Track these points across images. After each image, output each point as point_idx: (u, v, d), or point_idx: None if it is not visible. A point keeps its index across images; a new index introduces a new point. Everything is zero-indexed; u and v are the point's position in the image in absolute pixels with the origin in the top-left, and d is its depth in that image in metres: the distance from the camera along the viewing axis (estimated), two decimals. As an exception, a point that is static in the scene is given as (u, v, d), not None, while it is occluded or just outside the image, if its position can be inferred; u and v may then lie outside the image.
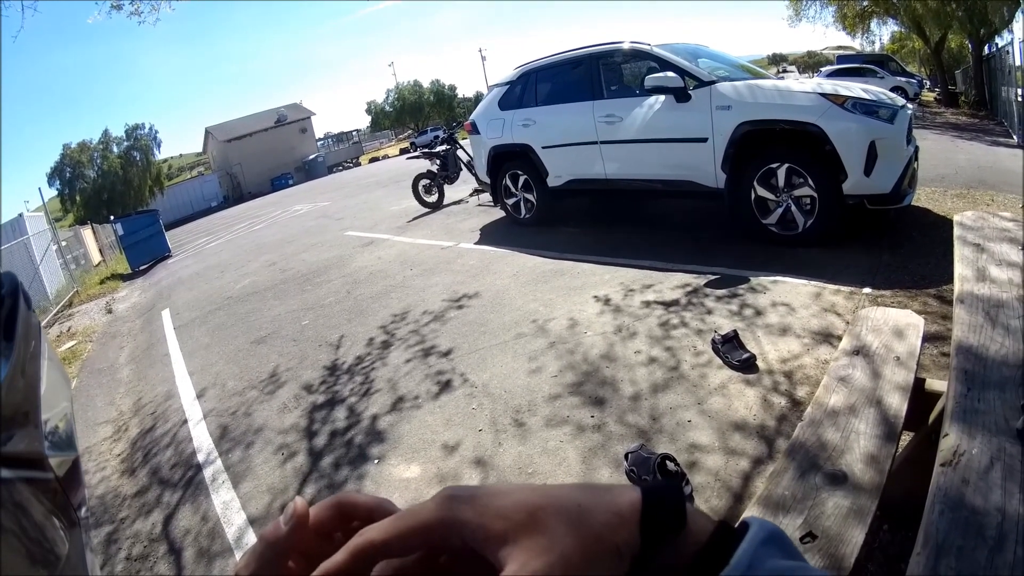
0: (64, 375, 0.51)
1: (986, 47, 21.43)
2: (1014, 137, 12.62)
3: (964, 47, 27.93)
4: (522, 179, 9.03)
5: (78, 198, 47.07)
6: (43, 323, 11.76)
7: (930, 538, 1.34)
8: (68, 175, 47.31)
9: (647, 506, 0.45)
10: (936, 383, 2.40)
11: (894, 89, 7.64)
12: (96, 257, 24.86)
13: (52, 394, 0.50)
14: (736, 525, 0.49)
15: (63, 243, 18.55)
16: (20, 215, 17.22)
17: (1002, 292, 2.25)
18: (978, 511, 1.36)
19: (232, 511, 3.76)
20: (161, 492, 4.24)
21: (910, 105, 6.38)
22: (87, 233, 25.58)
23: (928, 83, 33.02)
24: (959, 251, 2.68)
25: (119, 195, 46.63)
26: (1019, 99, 12.60)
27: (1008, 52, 13.85)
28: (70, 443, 0.52)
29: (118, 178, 47.49)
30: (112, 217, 24.20)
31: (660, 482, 0.44)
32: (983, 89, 20.46)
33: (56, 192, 47.70)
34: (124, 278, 17.18)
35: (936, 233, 5.82)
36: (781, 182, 6.02)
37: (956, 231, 2.89)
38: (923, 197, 6.94)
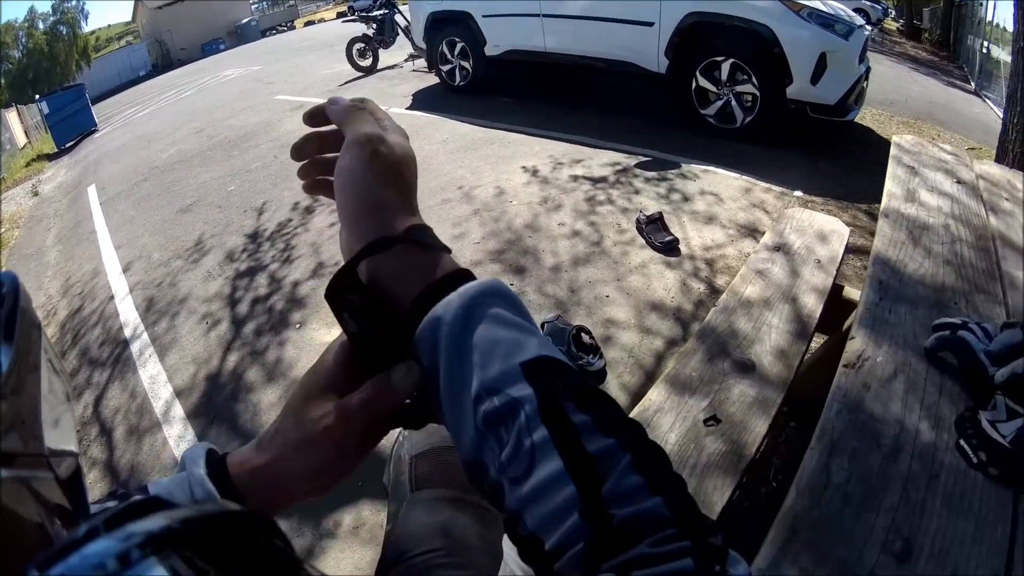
0: (65, 373, 0.51)
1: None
2: (971, 83, 12.73)
3: None
4: (459, 46, 8.78)
5: (2, 81, 44.77)
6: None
7: (825, 434, 1.39)
8: (-8, 58, 44.93)
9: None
10: (854, 292, 2.43)
11: (857, 11, 7.47)
12: (22, 139, 23.82)
13: (52, 393, 0.50)
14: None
15: (-13, 129, 17.79)
16: (-61, 104, 16.40)
17: (929, 217, 2.30)
18: (876, 418, 1.42)
19: (159, 384, 3.79)
20: (91, 373, 4.23)
21: (868, 27, 6.31)
22: (11, 116, 24.39)
23: (893, 12, 32.26)
24: (892, 169, 2.72)
25: (45, 73, 44.31)
26: (984, 51, 12.66)
27: (981, 5, 13.71)
28: (70, 442, 0.52)
29: (43, 55, 45.02)
30: (37, 96, 23.20)
31: None
32: (949, 32, 20.07)
33: (-20, 77, 45.41)
34: (50, 158, 16.56)
35: (876, 153, 5.71)
36: (724, 76, 5.94)
37: (892, 150, 2.93)
38: (868, 117, 6.89)
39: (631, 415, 1.58)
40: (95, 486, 3.23)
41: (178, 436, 3.33)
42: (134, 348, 4.29)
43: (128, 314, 4.78)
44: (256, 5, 66.13)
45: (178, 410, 3.53)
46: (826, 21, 5.55)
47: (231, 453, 0.60)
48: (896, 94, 8.65)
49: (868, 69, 6.13)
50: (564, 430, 0.44)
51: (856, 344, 1.64)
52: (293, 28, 55.06)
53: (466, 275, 0.55)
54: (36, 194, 11.46)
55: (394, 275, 0.55)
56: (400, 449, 1.24)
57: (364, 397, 0.55)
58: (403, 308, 0.54)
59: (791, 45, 5.51)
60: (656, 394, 1.71)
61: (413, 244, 0.57)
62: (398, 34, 12.28)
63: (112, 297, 5.16)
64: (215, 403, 3.51)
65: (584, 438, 0.44)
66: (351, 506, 2.60)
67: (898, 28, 28.57)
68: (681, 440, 1.54)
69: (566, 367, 0.49)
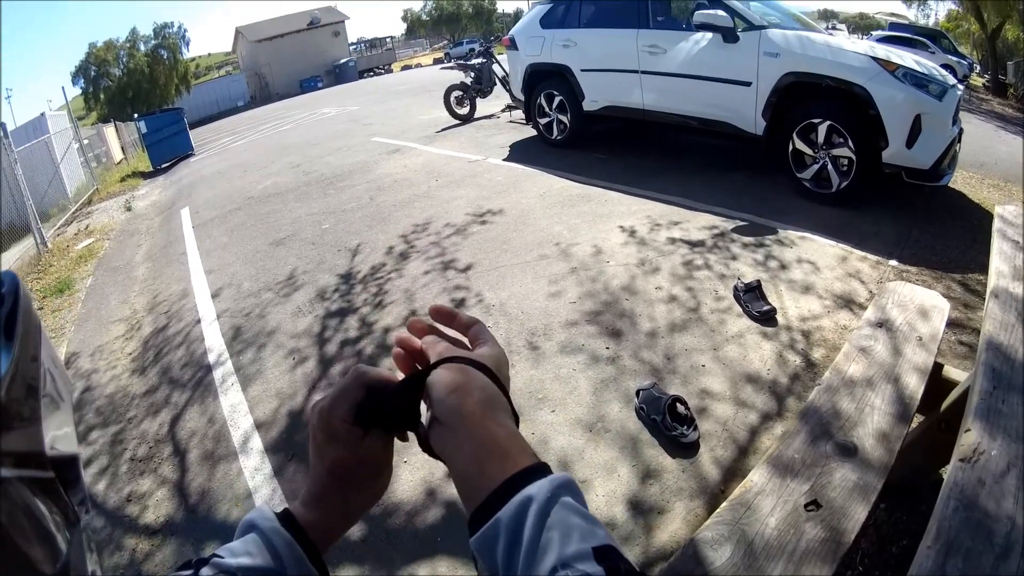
0: (64, 373, 0.49)
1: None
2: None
3: (1020, 39, 27.06)
4: (557, 99, 8.79)
5: (102, 96, 46.63)
6: (61, 221, 11.80)
7: (942, 533, 1.34)
8: (93, 74, 46.68)
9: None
10: (954, 371, 2.39)
11: (944, 67, 7.39)
12: (118, 155, 24.77)
13: (52, 392, 0.48)
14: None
15: (85, 141, 18.40)
16: (42, 114, 17.15)
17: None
18: (990, 515, 1.37)
19: (239, 414, 3.74)
20: (170, 392, 4.22)
21: (960, 86, 6.14)
22: (109, 131, 25.42)
23: (978, 67, 31.93)
24: (997, 244, 2.61)
25: (144, 93, 46.23)
26: None
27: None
28: (70, 442, 0.51)
29: (144, 76, 46.99)
30: (136, 115, 24.08)
31: None
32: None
33: (80, 91, 47.38)
34: (145, 176, 17.14)
35: (969, 219, 5.61)
36: (821, 139, 5.82)
37: (996, 223, 2.82)
38: (959, 180, 6.65)
39: (731, 496, 1.66)
40: (163, 504, 3.19)
41: (254, 468, 3.26)
42: (217, 374, 4.26)
43: (214, 340, 4.77)
44: (355, 46, 68.38)
45: (257, 442, 3.46)
46: (920, 81, 5.42)
47: (290, 507, 0.68)
48: (985, 155, 8.37)
49: (961, 131, 5.96)
50: None
51: (972, 437, 1.58)
52: (390, 71, 56.84)
53: (546, 467, 0.59)
54: (129, 209, 11.79)
55: (475, 450, 0.60)
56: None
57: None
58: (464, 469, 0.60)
59: (886, 106, 5.38)
60: (758, 475, 1.70)
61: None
62: (495, 84, 12.41)
63: (199, 321, 5.17)
64: (296, 441, 3.43)
65: None
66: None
67: (984, 84, 28.10)
68: (781, 525, 1.53)
69: (626, 559, 0.52)
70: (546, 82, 8.86)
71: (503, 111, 12.46)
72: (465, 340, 0.74)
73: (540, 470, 0.58)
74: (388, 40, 75.81)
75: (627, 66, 7.58)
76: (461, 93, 12.49)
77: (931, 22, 34.59)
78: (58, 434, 0.51)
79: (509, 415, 0.64)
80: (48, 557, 0.45)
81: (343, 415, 0.65)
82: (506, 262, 5.10)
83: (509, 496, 0.55)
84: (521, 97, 9.52)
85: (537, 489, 0.55)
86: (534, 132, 9.69)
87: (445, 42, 77.92)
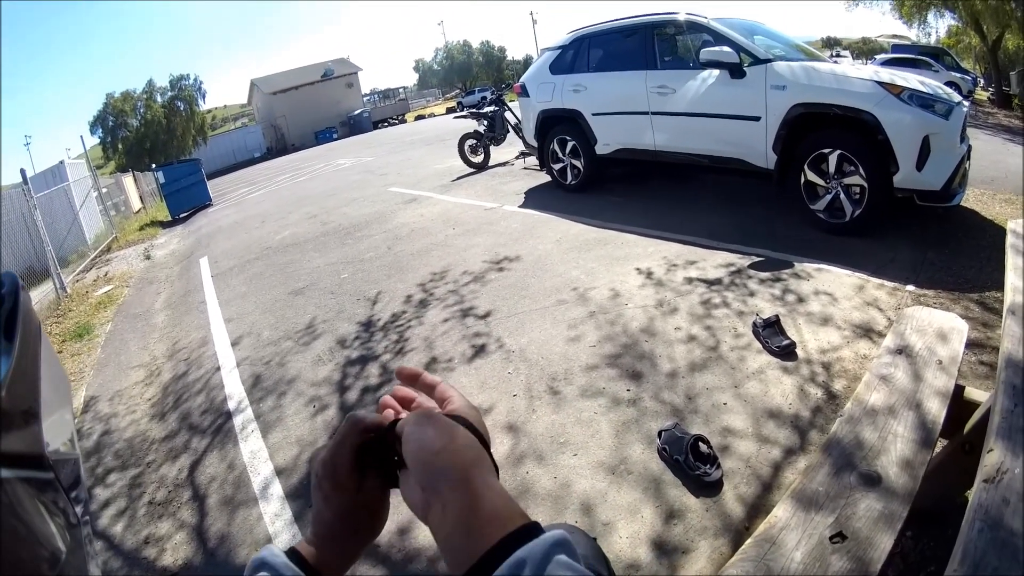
0: (64, 375, 0.51)
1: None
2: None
3: (1021, 48, 27.20)
4: (570, 145, 8.88)
5: (120, 146, 47.45)
6: (80, 268, 11.96)
7: (968, 555, 1.33)
8: (111, 123, 47.58)
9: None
10: (975, 392, 2.35)
11: (948, 84, 7.46)
12: (136, 204, 25.12)
13: (52, 394, 0.49)
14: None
15: (104, 190, 18.71)
16: (61, 162, 17.36)
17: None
18: (1015, 533, 1.36)
19: (259, 461, 3.73)
20: (189, 438, 4.22)
21: (965, 102, 6.16)
22: (128, 180, 25.83)
23: (982, 81, 32.05)
24: (1012, 260, 2.62)
25: (161, 144, 46.99)
26: None
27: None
28: (71, 443, 0.51)
29: (161, 127, 47.80)
30: (154, 165, 24.38)
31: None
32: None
33: (98, 140, 48.18)
34: (164, 225, 17.33)
35: (982, 236, 5.60)
36: (832, 168, 5.84)
37: (1009, 239, 2.82)
38: (971, 198, 6.67)
39: (756, 533, 1.64)
40: (181, 547, 3.19)
41: (274, 514, 3.25)
42: (237, 421, 4.26)
43: (234, 387, 4.78)
44: (368, 97, 69.22)
45: (277, 488, 3.45)
46: (926, 102, 5.43)
47: (297, 546, 0.69)
48: (995, 170, 8.34)
49: (969, 148, 5.97)
50: None
51: (995, 457, 1.58)
52: (404, 121, 57.46)
53: (538, 527, 0.58)
54: (148, 258, 11.93)
55: (464, 514, 0.59)
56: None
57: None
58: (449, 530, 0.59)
59: (894, 130, 5.39)
60: (782, 510, 1.69)
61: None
62: (508, 131, 12.55)
63: (219, 368, 5.19)
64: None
65: None
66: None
67: (988, 98, 28.14)
68: (807, 559, 1.51)
69: None
70: (558, 127, 8.98)
71: (517, 158, 12.55)
72: (432, 402, 0.76)
73: (532, 531, 0.57)
74: (401, 91, 76.79)
75: (637, 108, 7.68)
76: (475, 141, 12.64)
77: (932, 40, 34.64)
78: (58, 435, 0.51)
79: (493, 472, 0.64)
80: (48, 557, 0.45)
81: (346, 464, 0.68)
82: (525, 308, 5.11)
83: (500, 560, 0.54)
84: (534, 143, 9.61)
85: (529, 551, 0.54)
86: (548, 178, 9.79)
87: (457, 91, 78.93)
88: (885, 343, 2.40)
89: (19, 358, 0.43)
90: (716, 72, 6.70)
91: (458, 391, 0.74)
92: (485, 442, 0.67)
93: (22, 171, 10.42)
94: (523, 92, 9.48)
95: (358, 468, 0.68)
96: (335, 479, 0.68)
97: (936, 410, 1.97)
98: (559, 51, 8.97)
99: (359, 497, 0.69)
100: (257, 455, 3.79)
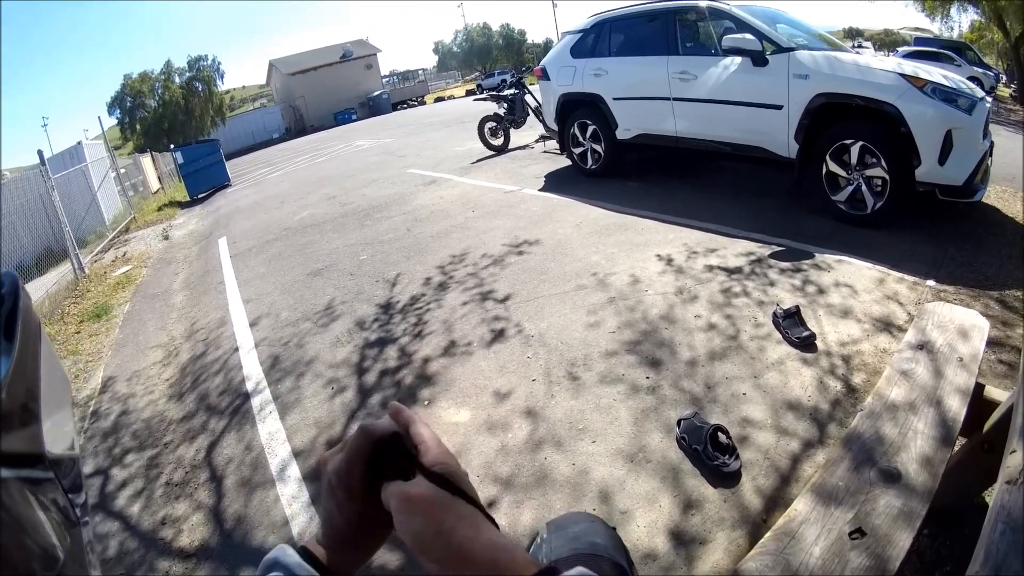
0: (64, 374, 0.51)
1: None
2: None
3: None
4: (591, 129, 8.81)
5: (138, 127, 47.36)
6: (99, 248, 12.04)
7: (990, 557, 1.31)
8: (128, 104, 47.45)
9: None
10: (995, 392, 2.34)
11: (970, 79, 7.37)
12: (155, 185, 25.19)
13: (53, 393, 0.49)
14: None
15: (122, 170, 18.78)
16: (79, 143, 17.38)
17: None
18: None
19: (277, 442, 3.74)
20: (207, 419, 4.24)
21: (988, 98, 6.07)
22: (146, 161, 25.89)
23: (1004, 78, 31.70)
24: None
25: (180, 125, 46.92)
26: None
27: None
28: (71, 442, 0.52)
29: (179, 108, 47.71)
30: (172, 146, 24.45)
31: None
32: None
33: (116, 121, 48.21)
34: (182, 206, 17.41)
35: (1003, 234, 5.54)
36: (854, 160, 5.78)
37: None
38: (992, 195, 6.56)
39: (775, 526, 1.66)
40: (198, 528, 3.20)
41: (291, 496, 3.25)
42: (255, 402, 4.27)
43: (252, 368, 4.79)
44: (387, 79, 69.16)
45: (295, 470, 3.45)
46: (949, 96, 5.37)
47: (307, 544, 0.70)
48: (1017, 168, 8.18)
49: (991, 144, 5.90)
50: None
51: (1018, 458, 1.51)
52: (423, 103, 57.46)
53: (555, 570, 0.58)
54: (166, 238, 11.98)
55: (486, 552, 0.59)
56: (538, 551, 1.22)
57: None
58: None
59: (917, 123, 5.32)
60: (802, 504, 1.70)
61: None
62: (528, 114, 12.49)
63: (237, 349, 5.20)
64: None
65: None
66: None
67: (1011, 94, 27.86)
68: (825, 554, 1.52)
69: None
70: (579, 112, 8.90)
71: (537, 141, 12.50)
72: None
73: (550, 574, 0.57)
74: (420, 72, 76.64)
75: (659, 93, 7.60)
76: (495, 124, 12.59)
77: (955, 34, 34.27)
78: (58, 435, 0.50)
79: (492, 528, 0.62)
80: (47, 557, 0.44)
81: (360, 475, 0.67)
82: (544, 292, 5.08)
83: None
84: (554, 127, 9.54)
85: None
86: (568, 162, 9.74)
87: (477, 73, 78.77)
88: (906, 338, 2.40)
89: (19, 358, 0.43)
90: (738, 59, 6.62)
91: (432, 432, 0.70)
92: (471, 496, 0.64)
93: (40, 152, 10.44)
94: (544, 75, 9.41)
95: (370, 476, 0.68)
96: (349, 490, 0.68)
97: (956, 408, 1.96)
98: (580, 35, 8.89)
99: (374, 504, 0.68)
100: (275, 436, 3.80)
